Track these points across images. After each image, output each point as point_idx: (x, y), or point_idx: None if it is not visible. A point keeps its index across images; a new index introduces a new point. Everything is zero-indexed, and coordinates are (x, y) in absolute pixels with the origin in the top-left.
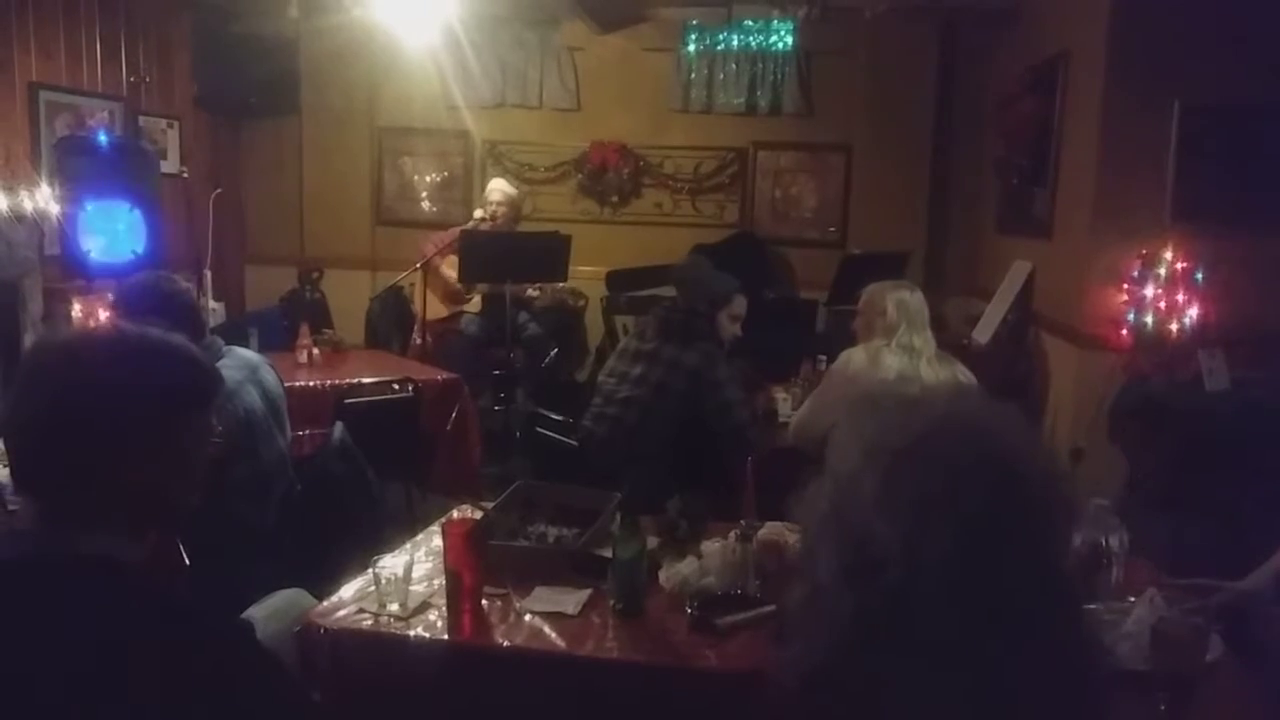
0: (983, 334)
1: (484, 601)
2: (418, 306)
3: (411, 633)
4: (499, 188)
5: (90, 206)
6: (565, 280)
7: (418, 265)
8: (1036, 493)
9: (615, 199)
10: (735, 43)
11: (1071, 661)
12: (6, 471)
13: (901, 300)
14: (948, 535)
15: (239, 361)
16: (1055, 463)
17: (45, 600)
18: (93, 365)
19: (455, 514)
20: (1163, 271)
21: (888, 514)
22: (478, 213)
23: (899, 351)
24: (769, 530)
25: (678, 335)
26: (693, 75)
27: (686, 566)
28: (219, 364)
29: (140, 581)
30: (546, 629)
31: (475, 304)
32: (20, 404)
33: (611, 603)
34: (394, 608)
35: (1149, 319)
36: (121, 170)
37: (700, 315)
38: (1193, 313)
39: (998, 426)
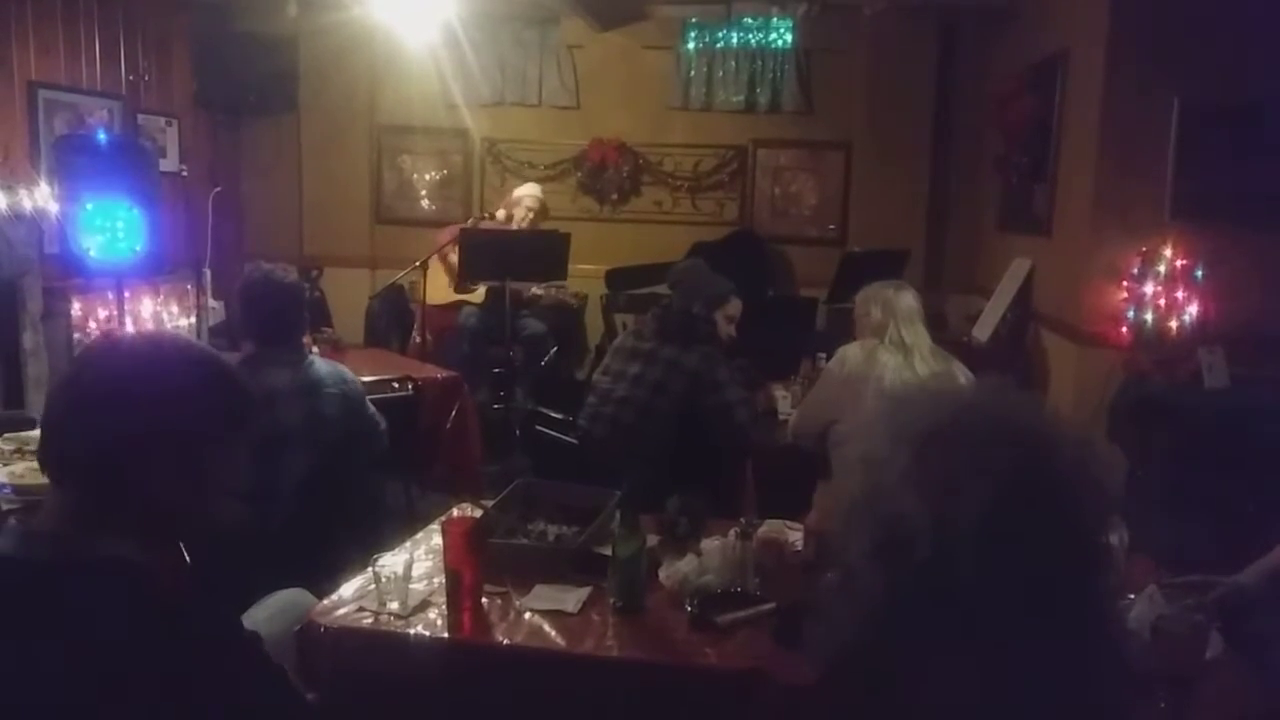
0: (982, 332)
1: (484, 600)
2: (421, 295)
3: (411, 631)
4: (533, 193)
5: (89, 205)
6: (565, 279)
7: (432, 255)
8: (1064, 468)
9: (615, 197)
10: (735, 40)
11: (1098, 635)
12: (3, 473)
13: (886, 299)
14: (976, 509)
15: (304, 377)
16: (1087, 441)
17: (59, 600)
18: (132, 373)
19: (455, 512)
20: (1162, 269)
21: (918, 492)
22: (501, 213)
23: (892, 349)
24: (769, 528)
25: (678, 336)
26: (692, 73)
27: (686, 564)
28: (284, 374)
29: (151, 586)
30: (546, 627)
31: (479, 294)
32: (61, 397)
33: (611, 601)
34: (394, 606)
35: (1148, 316)
36: (120, 169)
37: (699, 317)
38: (1192, 310)
39: (1024, 407)
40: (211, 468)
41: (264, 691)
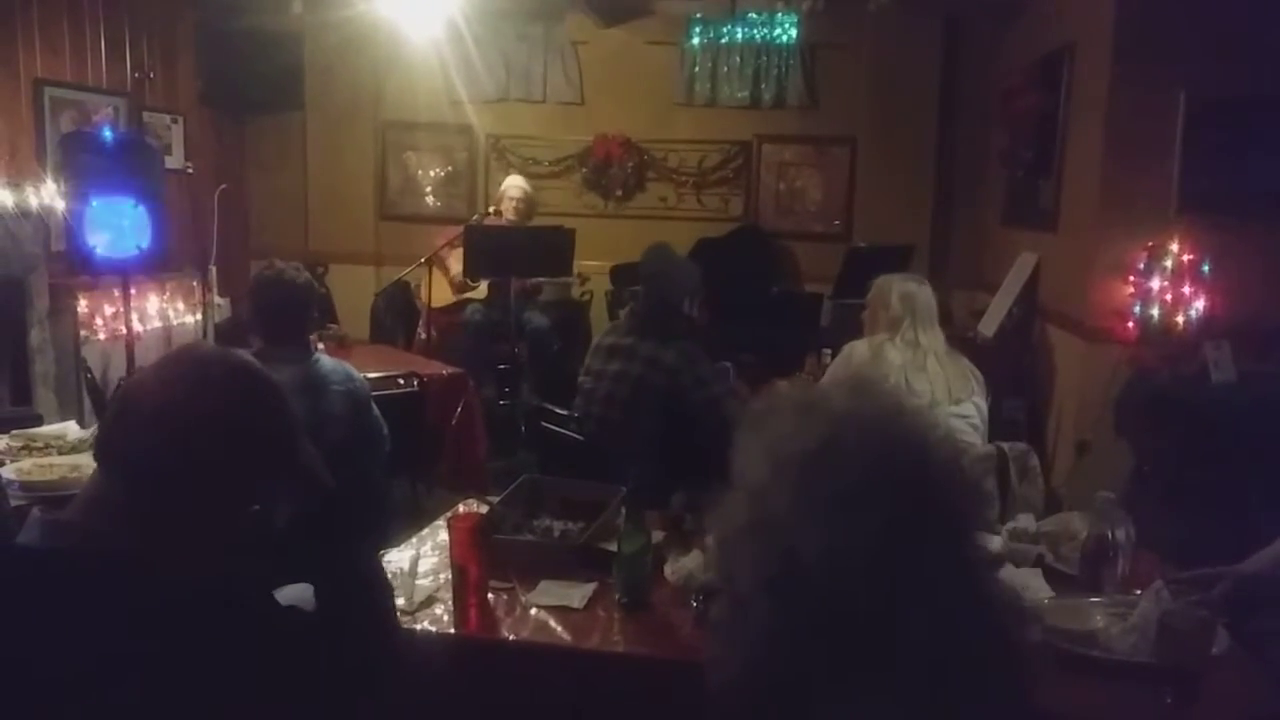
0: (988, 327)
1: (490, 595)
2: (424, 298)
3: (418, 627)
4: (517, 184)
5: (95, 202)
6: (570, 274)
7: (426, 258)
8: (942, 478)
9: (619, 193)
10: (739, 35)
11: (996, 646)
12: (10, 469)
13: (908, 293)
14: (867, 532)
15: (309, 374)
16: (952, 446)
17: (71, 590)
18: (202, 392)
19: (461, 508)
20: (1169, 263)
21: (806, 520)
22: (491, 209)
23: (903, 347)
24: None
25: (655, 332)
26: (696, 68)
27: (691, 560)
28: (290, 370)
29: (159, 582)
30: (552, 623)
31: (482, 290)
32: (129, 394)
33: (617, 596)
34: (400, 602)
35: (1155, 311)
36: (126, 166)
37: (678, 314)
38: (1198, 305)
39: (897, 418)
40: (248, 492)
41: (287, 680)
